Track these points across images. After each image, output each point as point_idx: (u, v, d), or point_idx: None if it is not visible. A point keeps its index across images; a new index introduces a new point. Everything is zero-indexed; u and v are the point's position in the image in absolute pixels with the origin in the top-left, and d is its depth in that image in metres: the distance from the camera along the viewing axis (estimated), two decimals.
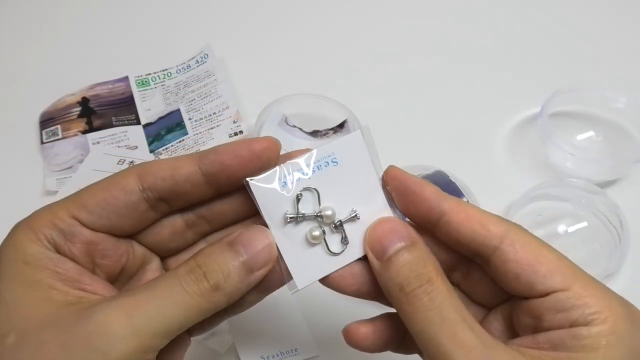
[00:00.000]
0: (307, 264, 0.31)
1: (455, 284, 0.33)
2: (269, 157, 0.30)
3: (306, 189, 0.31)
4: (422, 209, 0.30)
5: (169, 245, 0.33)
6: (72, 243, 0.30)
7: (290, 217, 0.30)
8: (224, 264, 0.29)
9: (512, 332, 0.31)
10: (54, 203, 0.30)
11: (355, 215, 0.31)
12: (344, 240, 0.31)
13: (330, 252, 0.31)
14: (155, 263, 0.33)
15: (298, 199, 0.30)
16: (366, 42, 0.69)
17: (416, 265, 0.29)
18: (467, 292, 0.33)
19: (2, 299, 0.28)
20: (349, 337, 0.32)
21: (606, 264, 0.50)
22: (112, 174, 0.31)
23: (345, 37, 0.69)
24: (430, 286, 0.28)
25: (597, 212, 0.52)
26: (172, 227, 0.33)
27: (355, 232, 0.31)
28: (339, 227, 0.31)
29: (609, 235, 0.52)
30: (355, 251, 0.31)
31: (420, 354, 0.31)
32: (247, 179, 0.30)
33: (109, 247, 0.31)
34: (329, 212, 0.31)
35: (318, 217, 0.31)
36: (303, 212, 0.31)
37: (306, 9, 0.72)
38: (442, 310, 0.28)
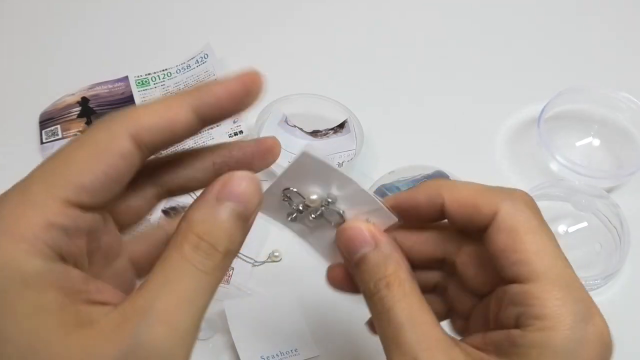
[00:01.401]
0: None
1: (450, 274, 0.33)
2: (257, 90, 0.29)
3: (285, 190, 0.30)
4: (426, 213, 0.30)
5: (132, 218, 0.29)
6: (77, 237, 0.24)
7: (291, 216, 0.31)
8: (226, 225, 0.26)
9: (487, 322, 0.30)
10: (28, 191, 0.24)
11: (341, 212, 0.31)
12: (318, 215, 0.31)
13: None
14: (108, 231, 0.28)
15: (286, 200, 0.31)
16: (366, 42, 0.69)
17: (376, 269, 0.29)
18: (462, 280, 0.32)
19: (11, 341, 0.22)
20: (331, 278, 0.33)
21: (606, 264, 0.50)
22: (88, 132, 0.25)
23: (346, 37, 0.69)
24: (384, 290, 0.29)
25: (598, 212, 0.52)
26: (143, 198, 0.29)
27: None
28: (319, 216, 0.31)
29: (609, 235, 0.52)
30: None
31: None
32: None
33: (101, 227, 0.26)
34: (314, 197, 0.30)
35: (306, 207, 0.31)
36: (294, 206, 0.31)
37: (306, 9, 0.72)
38: (390, 314, 0.28)
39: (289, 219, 0.31)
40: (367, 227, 0.31)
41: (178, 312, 0.24)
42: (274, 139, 0.30)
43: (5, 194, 0.24)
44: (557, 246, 0.28)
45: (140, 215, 0.29)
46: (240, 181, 0.26)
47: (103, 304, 0.24)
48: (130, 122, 0.25)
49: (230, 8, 0.72)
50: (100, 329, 0.23)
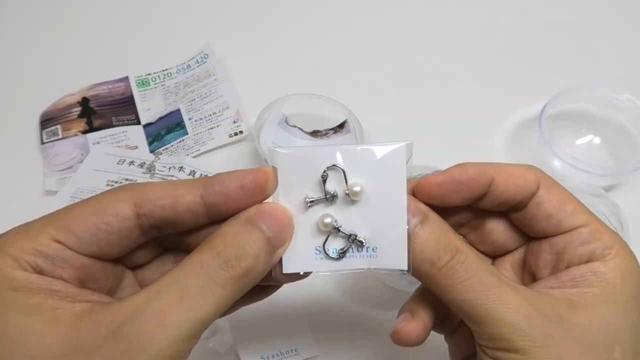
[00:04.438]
0: (301, 252, 0.29)
1: (463, 236, 0.33)
2: (270, 188, 0.29)
3: (332, 167, 0.29)
4: (476, 190, 0.30)
5: (141, 261, 0.31)
6: (63, 268, 0.27)
7: (311, 201, 0.29)
8: (253, 244, 0.27)
9: (522, 278, 0.33)
10: (26, 226, 0.28)
11: (363, 241, 0.30)
12: (343, 251, 0.30)
13: (326, 253, 0.30)
14: (129, 277, 0.31)
15: (324, 178, 0.29)
16: (366, 42, 0.69)
17: (439, 238, 0.29)
18: (474, 242, 0.34)
19: (5, 335, 0.25)
20: (401, 339, 0.31)
21: None
22: (99, 193, 0.29)
23: (346, 37, 0.69)
24: (461, 255, 0.29)
25: (598, 213, 0.52)
26: (151, 246, 0.31)
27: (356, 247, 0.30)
28: (347, 237, 0.29)
29: None
30: (352, 262, 0.30)
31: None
32: (275, 148, 0.29)
33: (99, 269, 0.28)
34: (357, 189, 0.29)
35: (346, 195, 0.29)
36: (330, 190, 0.29)
37: (306, 9, 0.72)
38: (481, 276, 0.28)
39: (308, 203, 0.29)
40: (410, 197, 0.30)
41: (175, 315, 0.25)
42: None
43: (14, 228, 0.28)
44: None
45: (148, 259, 0.31)
46: (275, 210, 0.28)
47: (95, 302, 0.27)
48: (135, 191, 0.28)
49: (230, 8, 0.72)
50: (91, 321, 0.25)
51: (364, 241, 0.29)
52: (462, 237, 0.33)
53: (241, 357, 0.44)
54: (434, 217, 0.30)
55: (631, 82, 0.63)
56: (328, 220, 0.29)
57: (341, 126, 0.58)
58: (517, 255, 0.33)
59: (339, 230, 0.29)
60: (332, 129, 0.58)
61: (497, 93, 0.64)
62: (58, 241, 0.27)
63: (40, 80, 0.65)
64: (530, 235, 0.32)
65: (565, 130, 0.58)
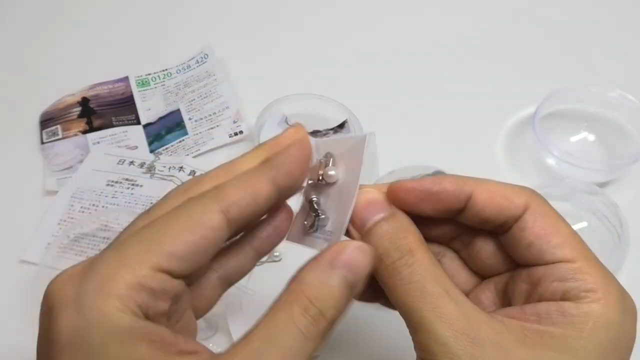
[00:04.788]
0: (295, 225, 0.32)
1: (455, 251, 0.33)
2: (309, 150, 0.30)
3: (328, 154, 0.31)
4: (449, 203, 0.29)
5: (203, 306, 0.31)
6: (163, 300, 0.25)
7: (310, 181, 0.31)
8: (338, 294, 0.26)
9: (503, 302, 0.31)
10: (119, 252, 0.26)
11: (325, 223, 0.31)
12: (311, 227, 0.31)
13: (307, 226, 0.31)
14: (188, 293, 0.30)
15: (321, 163, 0.31)
16: (366, 42, 0.69)
17: (396, 237, 0.29)
18: (465, 259, 0.32)
19: None
20: None
21: (606, 264, 0.49)
22: (182, 205, 0.27)
23: (346, 37, 0.69)
24: (411, 258, 0.28)
25: (597, 212, 0.52)
26: (209, 286, 0.31)
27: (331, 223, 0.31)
28: (315, 215, 0.31)
29: (609, 235, 0.52)
30: (316, 242, 0.31)
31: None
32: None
33: (185, 291, 0.28)
34: (331, 172, 0.30)
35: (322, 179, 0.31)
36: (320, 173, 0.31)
37: (306, 9, 0.72)
38: (424, 283, 0.27)
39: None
40: (382, 195, 0.30)
41: None
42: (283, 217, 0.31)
43: (102, 253, 0.26)
44: (575, 232, 0.30)
45: (210, 302, 0.31)
46: (355, 251, 0.27)
47: (192, 353, 0.25)
48: (219, 197, 0.27)
49: (230, 8, 0.72)
50: None
51: (325, 224, 0.31)
52: (453, 250, 0.32)
53: None
54: (400, 217, 0.29)
55: (624, 80, 0.63)
56: (312, 197, 0.31)
57: (341, 126, 0.58)
58: (504, 279, 0.31)
59: (317, 209, 0.31)
60: (332, 129, 0.58)
61: (496, 93, 0.64)
62: (161, 269, 0.25)
63: (40, 80, 0.65)
64: (514, 260, 0.30)
65: (560, 128, 0.59)
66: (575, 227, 0.51)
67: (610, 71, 0.65)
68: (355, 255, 0.27)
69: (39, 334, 0.26)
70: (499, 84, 0.65)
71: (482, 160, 0.58)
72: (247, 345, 0.25)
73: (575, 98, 0.60)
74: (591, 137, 0.59)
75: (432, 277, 0.27)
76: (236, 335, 0.45)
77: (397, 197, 0.30)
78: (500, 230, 0.30)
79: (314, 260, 0.27)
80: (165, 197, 0.29)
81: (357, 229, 0.30)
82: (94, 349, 0.24)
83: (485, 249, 0.31)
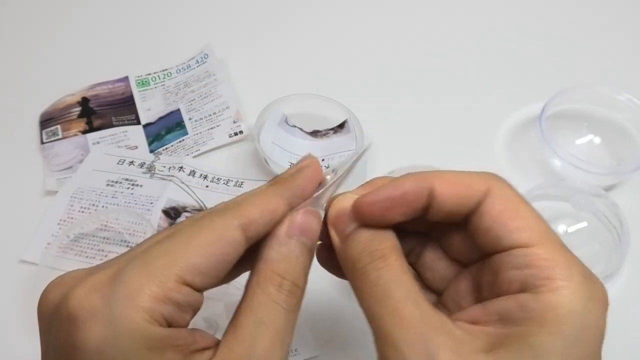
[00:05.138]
0: None
1: (434, 240, 0.32)
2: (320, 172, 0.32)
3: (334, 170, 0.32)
4: (414, 203, 0.29)
5: None
6: (186, 312, 0.27)
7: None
8: (302, 261, 0.29)
9: (478, 293, 0.30)
10: (145, 263, 0.26)
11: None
12: None
13: None
14: None
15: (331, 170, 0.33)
16: (366, 43, 0.69)
17: (371, 242, 0.29)
18: (444, 248, 0.32)
19: None
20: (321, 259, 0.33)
21: (606, 264, 0.50)
22: (204, 217, 0.28)
23: (346, 37, 0.69)
24: (381, 263, 0.28)
25: (597, 212, 0.52)
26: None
27: None
28: None
29: (609, 235, 0.52)
30: None
31: None
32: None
33: (202, 301, 0.29)
34: (327, 177, 0.32)
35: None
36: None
37: (306, 9, 0.72)
38: (388, 286, 0.27)
39: None
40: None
41: (274, 354, 0.27)
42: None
43: (128, 263, 0.26)
44: (540, 216, 0.28)
45: None
46: (304, 215, 0.29)
47: (204, 349, 0.27)
48: (239, 213, 0.28)
49: (230, 8, 0.72)
50: None
51: None
52: (434, 239, 0.32)
53: None
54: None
55: (631, 82, 0.63)
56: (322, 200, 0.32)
57: (341, 126, 0.58)
58: (479, 268, 0.30)
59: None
60: (332, 129, 0.58)
61: (497, 93, 0.64)
62: (186, 283, 0.26)
63: (40, 80, 0.65)
64: (479, 248, 0.29)
65: (565, 130, 0.58)
66: (575, 227, 0.51)
67: (617, 73, 0.65)
68: (305, 219, 0.29)
69: (51, 341, 0.27)
70: (499, 84, 0.64)
71: (483, 159, 0.58)
72: (238, 332, 0.27)
73: (581, 98, 0.59)
74: (597, 140, 0.59)
75: (397, 281, 0.27)
76: None
77: (361, 215, 0.29)
78: (466, 219, 0.29)
79: (271, 235, 0.29)
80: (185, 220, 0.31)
81: (337, 233, 0.30)
82: (123, 358, 0.25)
83: (458, 237, 0.30)
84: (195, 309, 0.27)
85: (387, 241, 0.29)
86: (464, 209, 0.28)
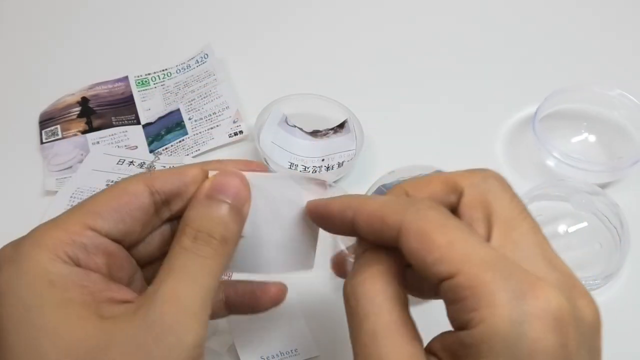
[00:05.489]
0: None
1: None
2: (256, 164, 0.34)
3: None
4: (343, 228, 0.29)
5: (153, 255, 0.33)
6: (95, 255, 0.29)
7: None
8: (218, 216, 0.30)
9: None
10: (55, 219, 0.29)
11: None
12: None
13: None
14: (139, 273, 0.33)
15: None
16: (366, 43, 0.69)
17: (355, 274, 0.29)
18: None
19: (39, 328, 0.26)
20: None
21: (606, 264, 0.50)
22: (115, 183, 0.31)
23: (346, 37, 0.69)
24: (361, 296, 0.27)
25: (597, 212, 0.52)
26: (161, 236, 0.33)
27: None
28: None
29: (609, 235, 0.52)
30: None
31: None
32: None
33: (124, 257, 0.31)
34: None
35: None
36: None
37: (306, 9, 0.72)
38: (374, 323, 0.26)
39: None
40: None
41: (182, 291, 0.27)
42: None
43: (43, 223, 0.29)
44: (472, 232, 0.26)
45: (161, 252, 0.33)
46: (222, 176, 0.31)
47: (124, 302, 0.28)
48: (146, 174, 0.31)
49: (231, 8, 0.72)
50: (119, 318, 0.27)
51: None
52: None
53: (241, 357, 0.44)
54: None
55: (624, 80, 0.62)
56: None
57: (341, 126, 0.58)
58: None
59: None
60: (332, 129, 0.58)
61: (497, 93, 0.64)
62: (90, 227, 0.29)
63: (40, 80, 0.65)
64: None
65: (560, 129, 0.58)
66: (575, 227, 0.51)
67: (610, 71, 0.65)
68: (222, 179, 0.31)
69: None
70: (499, 84, 0.65)
71: (482, 160, 0.58)
72: (152, 284, 0.28)
73: (575, 98, 0.60)
74: (592, 138, 0.59)
75: (377, 313, 0.26)
76: (236, 335, 0.45)
77: (313, 216, 0.32)
78: None
79: (193, 198, 0.31)
80: None
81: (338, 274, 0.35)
82: (28, 293, 0.27)
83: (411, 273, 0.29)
84: (107, 253, 0.29)
85: (372, 268, 0.28)
86: (386, 242, 0.27)
